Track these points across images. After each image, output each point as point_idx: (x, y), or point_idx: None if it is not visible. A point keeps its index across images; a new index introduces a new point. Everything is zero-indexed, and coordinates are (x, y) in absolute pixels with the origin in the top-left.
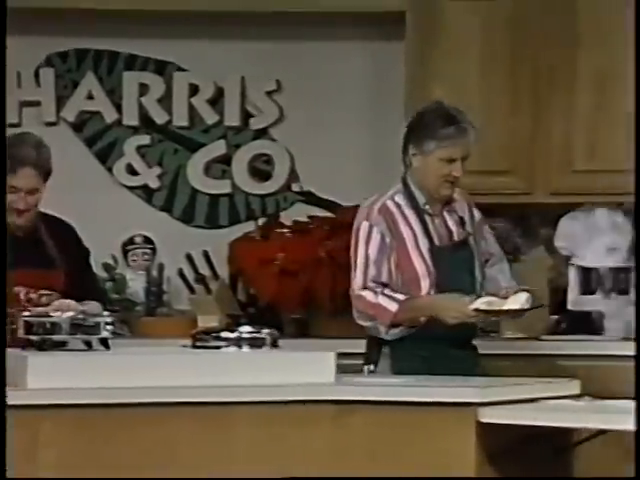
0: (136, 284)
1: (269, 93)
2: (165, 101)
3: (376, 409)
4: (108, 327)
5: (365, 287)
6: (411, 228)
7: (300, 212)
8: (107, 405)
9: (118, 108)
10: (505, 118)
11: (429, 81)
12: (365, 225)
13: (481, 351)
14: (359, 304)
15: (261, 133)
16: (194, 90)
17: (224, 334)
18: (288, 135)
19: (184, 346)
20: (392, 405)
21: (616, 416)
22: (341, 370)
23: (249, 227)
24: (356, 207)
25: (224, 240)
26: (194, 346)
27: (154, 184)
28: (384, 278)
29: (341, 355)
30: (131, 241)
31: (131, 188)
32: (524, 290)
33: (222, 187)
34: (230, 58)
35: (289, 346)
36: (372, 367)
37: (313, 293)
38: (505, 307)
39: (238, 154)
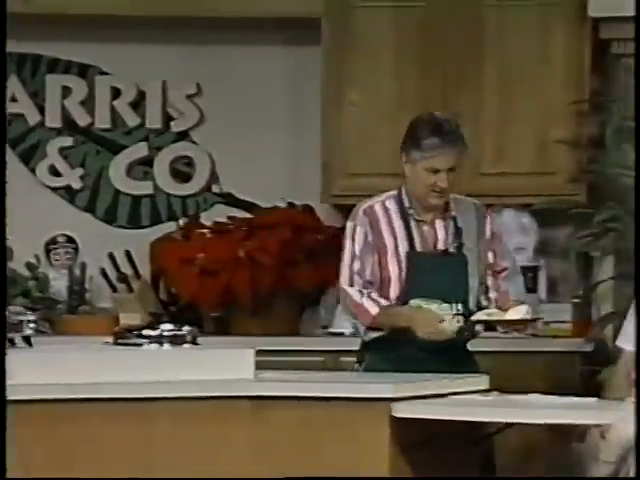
0: (59, 283)
1: (190, 96)
2: (88, 104)
3: (294, 404)
4: (31, 325)
5: (351, 284)
6: (393, 231)
7: (220, 213)
8: (29, 401)
9: (41, 110)
10: None
11: (344, 84)
12: (350, 225)
13: None
14: (344, 300)
15: (182, 136)
16: (116, 93)
17: (145, 332)
18: (208, 138)
19: (106, 343)
20: (309, 400)
21: (521, 410)
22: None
23: (170, 227)
24: (274, 208)
25: (146, 240)
26: (116, 343)
27: (77, 185)
28: (368, 274)
29: (260, 352)
30: (54, 241)
31: (54, 189)
32: (524, 303)
33: (144, 188)
34: (151, 62)
35: (209, 343)
36: (357, 366)
37: (233, 292)
38: (506, 317)
39: (159, 156)
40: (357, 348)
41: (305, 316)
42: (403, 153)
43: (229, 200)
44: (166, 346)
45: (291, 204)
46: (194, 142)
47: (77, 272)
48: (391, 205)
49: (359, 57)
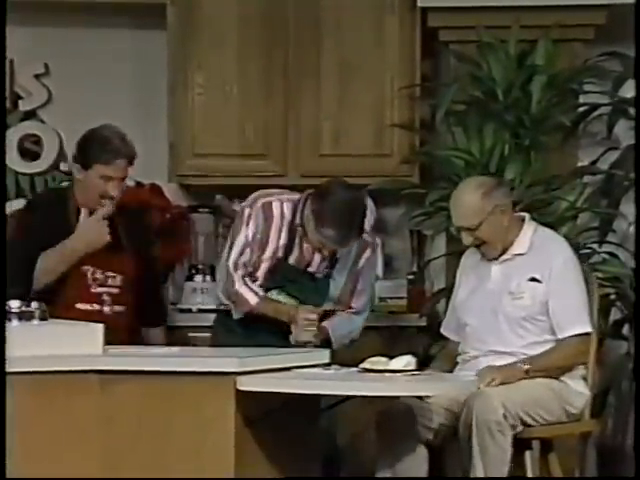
0: None
1: (38, 76)
2: None
3: (141, 379)
4: None
5: (236, 269)
6: (279, 236)
7: None
8: None
9: None
10: (260, 106)
11: (191, 70)
12: (247, 211)
13: None
14: (226, 281)
15: (30, 115)
16: None
17: None
18: (56, 117)
19: None
20: (156, 375)
21: (359, 383)
22: None
23: (19, 205)
24: None
25: None
26: None
27: None
28: (250, 264)
29: None
30: None
31: None
32: (409, 353)
33: None
34: None
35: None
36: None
37: None
38: (389, 367)
39: (8, 135)
40: (205, 324)
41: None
42: (308, 216)
43: None
44: (14, 322)
45: (139, 183)
46: (42, 121)
47: None
48: (287, 211)
49: (204, 41)
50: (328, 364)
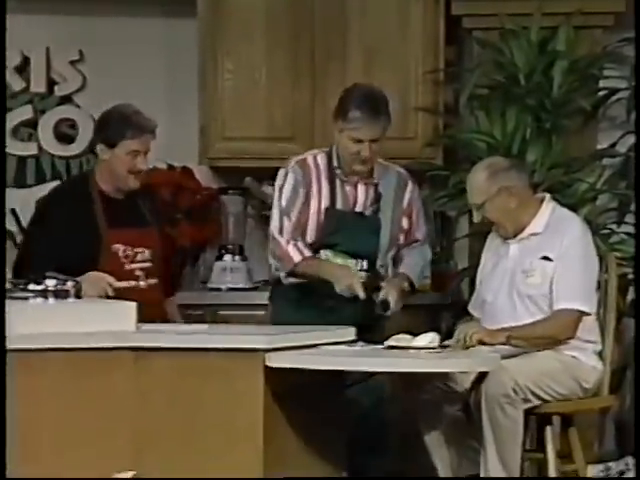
0: None
1: (72, 62)
2: None
3: (174, 355)
4: None
5: (281, 232)
6: (319, 186)
7: None
8: None
9: None
10: (288, 90)
11: (220, 56)
12: (282, 172)
13: None
14: (273, 244)
15: (65, 99)
16: None
17: (31, 286)
18: (91, 101)
19: None
20: (188, 351)
21: (383, 359)
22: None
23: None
24: (155, 169)
25: (31, 198)
26: None
27: None
28: (295, 222)
29: None
30: None
31: None
32: (433, 330)
33: (29, 149)
34: (36, 31)
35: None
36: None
37: None
38: (413, 344)
39: (44, 118)
40: (234, 302)
41: (185, 272)
42: (334, 120)
43: None
44: (51, 300)
45: (171, 166)
46: (77, 106)
47: None
48: (321, 161)
49: (233, 29)
50: (354, 341)
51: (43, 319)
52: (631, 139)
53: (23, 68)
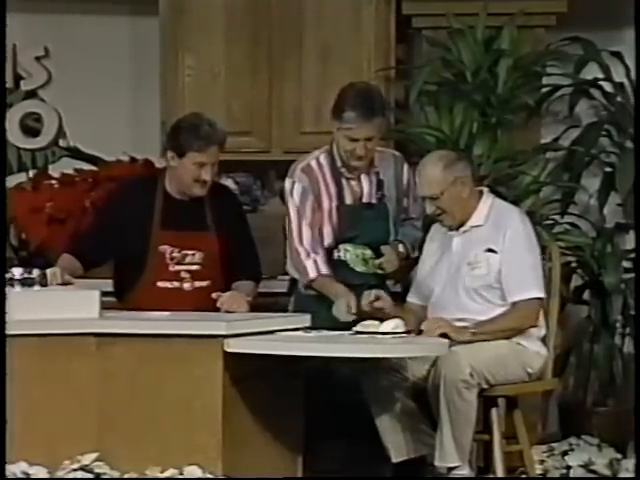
0: None
1: (38, 58)
2: None
3: (135, 341)
4: None
5: (301, 242)
6: (327, 188)
7: (67, 165)
8: None
9: None
10: (246, 86)
11: (181, 53)
12: (289, 182)
13: None
14: (294, 254)
15: (31, 94)
16: None
17: None
18: (56, 96)
19: None
20: (149, 337)
21: (340, 345)
22: None
23: (20, 178)
24: (118, 162)
25: None
26: None
27: None
28: (312, 230)
29: (107, 294)
30: None
31: None
32: (398, 317)
33: None
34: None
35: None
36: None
37: None
38: (380, 329)
39: (10, 112)
40: None
41: None
42: (331, 119)
43: (76, 154)
44: (17, 288)
45: (133, 158)
46: (42, 100)
47: None
48: (324, 161)
49: (193, 26)
50: (309, 328)
51: (9, 306)
52: (574, 133)
53: None
